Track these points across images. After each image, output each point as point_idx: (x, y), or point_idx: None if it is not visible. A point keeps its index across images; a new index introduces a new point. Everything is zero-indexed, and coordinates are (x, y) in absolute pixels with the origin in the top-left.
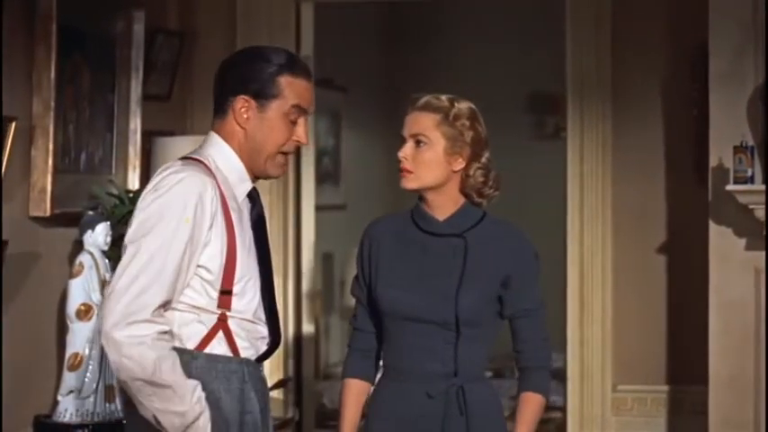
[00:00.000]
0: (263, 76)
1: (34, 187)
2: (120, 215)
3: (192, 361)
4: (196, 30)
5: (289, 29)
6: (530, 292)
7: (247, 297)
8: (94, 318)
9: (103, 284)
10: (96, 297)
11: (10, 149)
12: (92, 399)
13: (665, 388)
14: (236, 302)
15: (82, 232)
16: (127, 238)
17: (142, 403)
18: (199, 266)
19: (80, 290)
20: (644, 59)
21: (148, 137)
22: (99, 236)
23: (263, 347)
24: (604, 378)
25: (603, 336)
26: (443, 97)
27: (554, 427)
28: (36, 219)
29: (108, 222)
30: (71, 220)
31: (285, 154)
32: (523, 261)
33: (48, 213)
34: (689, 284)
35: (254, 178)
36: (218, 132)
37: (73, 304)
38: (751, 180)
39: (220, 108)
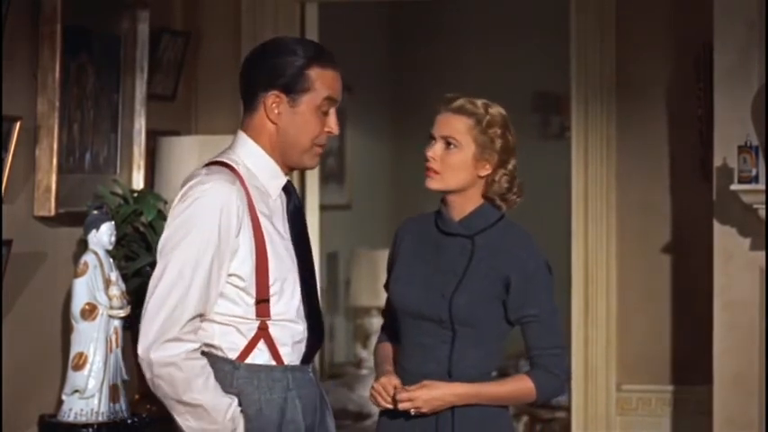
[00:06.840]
0: (292, 71)
1: (39, 187)
2: (125, 215)
3: (233, 371)
4: (201, 29)
5: (293, 28)
6: (535, 299)
7: (286, 296)
8: (99, 317)
9: (108, 284)
10: (101, 296)
11: (14, 149)
12: (96, 398)
13: (670, 388)
14: (274, 306)
15: (86, 232)
16: (158, 251)
17: (177, 420)
18: (230, 275)
19: (85, 289)
20: (648, 59)
21: (153, 136)
22: (103, 235)
23: (304, 349)
24: (609, 378)
25: (608, 335)
26: (479, 102)
27: (558, 426)
28: (41, 218)
29: (112, 222)
30: (76, 219)
31: (320, 146)
32: (527, 267)
33: (52, 213)
34: (693, 284)
35: (289, 171)
36: (247, 130)
37: (78, 304)
38: (755, 180)
39: (249, 105)
